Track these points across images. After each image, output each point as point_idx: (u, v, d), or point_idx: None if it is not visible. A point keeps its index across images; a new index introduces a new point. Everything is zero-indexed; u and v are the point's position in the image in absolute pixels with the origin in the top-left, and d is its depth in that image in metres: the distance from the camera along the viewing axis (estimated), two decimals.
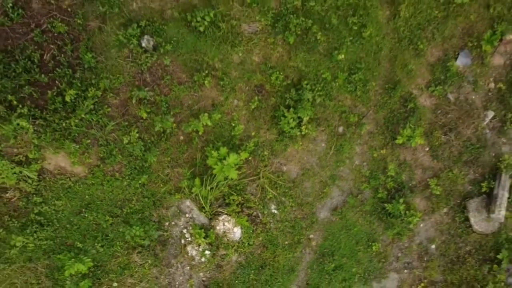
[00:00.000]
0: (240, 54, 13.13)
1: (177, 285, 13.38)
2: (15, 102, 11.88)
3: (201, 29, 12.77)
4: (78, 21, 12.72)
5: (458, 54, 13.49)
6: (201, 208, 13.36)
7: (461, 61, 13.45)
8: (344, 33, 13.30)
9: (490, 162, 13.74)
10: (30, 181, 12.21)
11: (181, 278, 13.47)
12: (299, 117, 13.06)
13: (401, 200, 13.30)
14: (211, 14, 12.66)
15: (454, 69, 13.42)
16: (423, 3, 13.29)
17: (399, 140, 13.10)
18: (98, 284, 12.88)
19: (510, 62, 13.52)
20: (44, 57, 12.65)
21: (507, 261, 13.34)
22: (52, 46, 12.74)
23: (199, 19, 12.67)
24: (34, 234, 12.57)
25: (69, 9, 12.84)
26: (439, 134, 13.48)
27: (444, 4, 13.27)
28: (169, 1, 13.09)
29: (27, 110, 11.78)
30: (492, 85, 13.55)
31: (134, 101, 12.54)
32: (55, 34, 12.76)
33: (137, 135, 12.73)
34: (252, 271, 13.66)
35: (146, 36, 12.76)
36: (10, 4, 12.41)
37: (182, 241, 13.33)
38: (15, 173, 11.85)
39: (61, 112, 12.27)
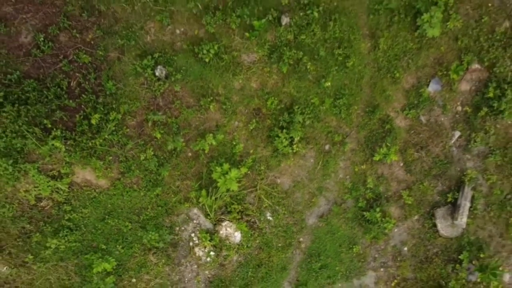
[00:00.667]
0: (240, 81, 14.42)
1: (186, 281, 14.52)
2: (49, 125, 13.19)
3: (207, 60, 14.10)
4: (100, 52, 14.01)
5: (429, 81, 14.78)
6: (206, 215, 14.46)
7: (432, 88, 14.82)
8: (331, 63, 14.55)
9: (455, 176, 14.94)
10: (61, 192, 13.54)
11: (189, 275, 14.58)
12: (291, 137, 14.30)
13: (378, 209, 14.59)
14: (215, 47, 14.04)
15: (426, 95, 14.75)
16: (399, 37, 14.60)
17: (377, 157, 14.46)
18: (120, 280, 14.07)
19: (475, 88, 14.99)
20: (71, 85, 13.96)
21: (468, 261, 14.58)
22: (78, 74, 14.04)
23: (205, 51, 14.03)
24: (65, 237, 13.74)
25: (92, 42, 14.11)
26: (412, 151, 14.80)
27: (418, 37, 14.54)
28: (179, 35, 14.49)
29: (60, 132, 13.09)
30: (459, 108, 14.98)
31: (149, 123, 13.99)
32: (80, 64, 14.03)
33: (152, 152, 13.99)
34: (250, 269, 14.75)
35: (159, 66, 14.14)
36: (42, 38, 13.78)
37: (191, 244, 14.40)
38: (49, 186, 13.23)
39: (87, 133, 13.53)
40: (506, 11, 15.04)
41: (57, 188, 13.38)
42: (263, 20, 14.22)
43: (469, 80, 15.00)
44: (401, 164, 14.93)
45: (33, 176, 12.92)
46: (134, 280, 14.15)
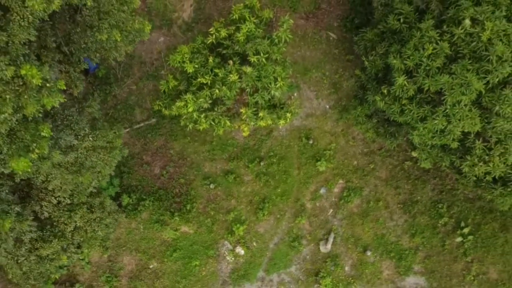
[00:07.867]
0: (244, 188, 34.44)
1: (223, 269, 32.71)
2: (172, 211, 33.60)
3: (230, 180, 33.81)
4: (187, 177, 34.15)
5: (321, 188, 35.36)
6: (231, 243, 33.45)
7: (322, 191, 34.53)
8: (280, 181, 33.55)
9: (329, 228, 33.61)
10: (176, 234, 32.72)
11: (224, 267, 30.50)
12: (264, 212, 34.67)
13: (297, 242, 34.02)
14: (233, 175, 34.64)
15: (319, 194, 33.73)
16: (309, 169, 34.94)
17: (297, 221, 34.44)
18: (200, 269, 33.30)
19: (340, 191, 35.70)
20: (176, 191, 34.56)
21: (330, 261, 34.67)
22: (179, 186, 34.42)
23: (229, 178, 34.44)
24: (177, 252, 32.02)
25: (183, 173, 34.50)
26: (312, 218, 34.90)
27: (316, 170, 35.37)
28: (218, 167, 35.14)
29: (177, 214, 33.33)
30: (333, 199, 35.41)
31: (208, 208, 34.67)
32: (180, 182, 34.25)
33: (209, 219, 33.41)
34: (247, 265, 30.80)
35: (211, 183, 34.75)
36: (164, 172, 34.30)
37: (224, 255, 31.78)
38: (173, 232, 32.54)
39: (185, 212, 32.75)
40: (354, 156, 36.20)
41: (175, 233, 33.35)
42: (254, 163, 34.99)
43: (339, 187, 35.62)
44: (308, 223, 35.32)
45: (168, 230, 33.12)
46: (203, 268, 33.54)
